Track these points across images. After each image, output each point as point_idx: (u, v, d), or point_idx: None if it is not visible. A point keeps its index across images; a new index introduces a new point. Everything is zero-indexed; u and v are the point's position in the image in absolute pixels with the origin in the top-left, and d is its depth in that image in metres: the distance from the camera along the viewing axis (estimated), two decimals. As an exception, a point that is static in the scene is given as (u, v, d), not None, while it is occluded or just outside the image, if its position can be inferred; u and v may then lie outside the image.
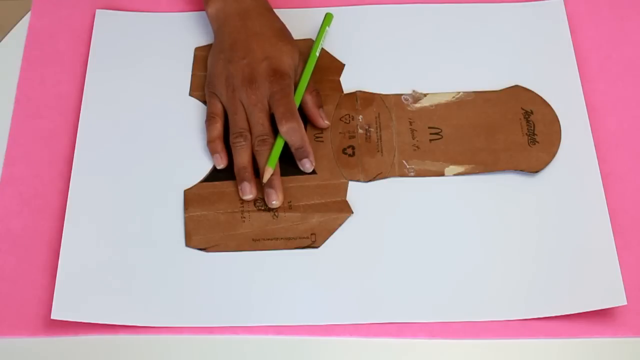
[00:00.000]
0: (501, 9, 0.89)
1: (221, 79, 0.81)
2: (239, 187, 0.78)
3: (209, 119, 0.81)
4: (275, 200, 0.77)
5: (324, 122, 0.82)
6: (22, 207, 0.79)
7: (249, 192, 0.78)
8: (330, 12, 0.88)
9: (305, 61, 0.83)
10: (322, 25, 0.87)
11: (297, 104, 0.81)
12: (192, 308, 0.73)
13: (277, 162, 0.79)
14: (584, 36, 0.88)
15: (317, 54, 0.84)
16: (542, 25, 0.88)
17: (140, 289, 0.74)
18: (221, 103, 0.82)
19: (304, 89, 0.82)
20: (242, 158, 0.79)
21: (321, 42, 0.85)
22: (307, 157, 0.79)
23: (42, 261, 0.76)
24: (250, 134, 0.80)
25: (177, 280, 0.75)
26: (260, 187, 0.78)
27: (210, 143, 0.80)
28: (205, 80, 0.84)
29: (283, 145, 0.79)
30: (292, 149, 0.79)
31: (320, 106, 0.82)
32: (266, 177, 0.78)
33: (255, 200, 0.78)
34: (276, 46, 0.82)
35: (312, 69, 0.83)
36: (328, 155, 0.81)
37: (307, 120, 0.82)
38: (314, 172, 0.80)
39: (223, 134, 0.81)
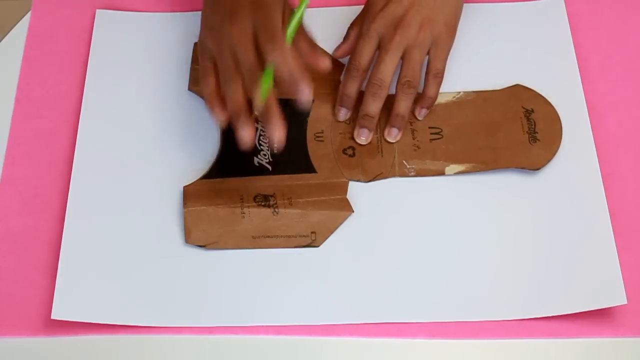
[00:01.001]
0: (502, 8, 0.89)
1: (207, 30, 0.75)
2: (237, 134, 0.72)
3: (202, 77, 0.75)
4: (277, 136, 0.71)
5: (324, 63, 0.73)
6: (22, 207, 0.79)
7: (247, 135, 0.71)
8: None
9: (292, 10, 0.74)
10: None
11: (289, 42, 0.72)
12: (191, 308, 0.74)
13: (274, 92, 0.71)
14: (584, 36, 0.87)
15: None
16: (542, 24, 0.88)
17: (140, 289, 0.74)
18: (212, 56, 0.74)
19: (294, 30, 0.72)
20: (235, 98, 0.71)
21: None
22: (302, 84, 0.70)
23: (42, 261, 0.76)
24: (242, 73, 0.71)
25: (177, 280, 0.75)
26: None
27: (207, 101, 0.74)
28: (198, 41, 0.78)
29: (272, 75, 0.71)
30: (282, 78, 0.70)
31: (315, 47, 0.75)
32: (259, 112, 0.70)
33: (255, 196, 0.78)
34: None
35: (303, 10, 0.73)
36: (328, 155, 0.81)
37: (301, 115, 0.81)
38: (314, 170, 0.80)
39: (219, 89, 0.74)
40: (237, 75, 0.71)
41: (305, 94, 0.70)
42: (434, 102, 0.82)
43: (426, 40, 0.79)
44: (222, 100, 0.73)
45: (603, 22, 0.88)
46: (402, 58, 0.79)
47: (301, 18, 0.74)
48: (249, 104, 0.71)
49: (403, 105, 0.80)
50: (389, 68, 0.79)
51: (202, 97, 0.84)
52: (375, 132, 0.81)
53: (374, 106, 0.80)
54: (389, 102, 0.81)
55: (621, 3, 0.90)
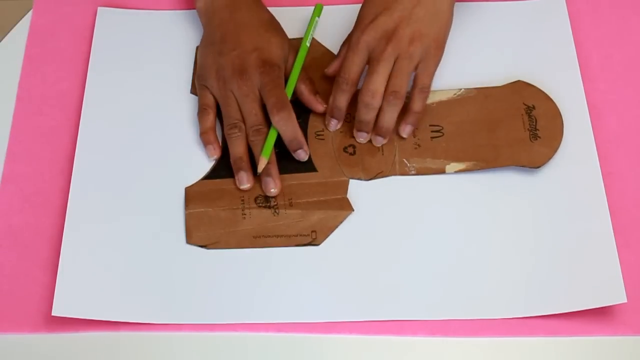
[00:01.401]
0: (503, 7, 0.89)
1: (211, 71, 0.81)
2: (236, 177, 0.78)
3: (201, 111, 0.82)
4: (273, 188, 0.78)
5: (322, 106, 0.82)
6: (23, 204, 0.79)
7: (246, 181, 0.78)
8: (320, 3, 0.87)
9: (296, 52, 0.83)
10: (312, 15, 0.86)
11: (290, 94, 0.81)
12: (192, 305, 0.74)
13: (273, 151, 0.79)
14: (585, 35, 0.87)
15: (308, 44, 0.84)
16: (543, 23, 0.88)
17: (140, 286, 0.74)
18: (212, 95, 0.82)
19: (296, 79, 0.82)
20: (238, 148, 0.79)
21: (312, 32, 0.85)
22: (301, 147, 0.79)
23: (43, 258, 0.76)
24: (244, 124, 0.80)
25: (177, 277, 0.75)
26: (258, 177, 0.79)
27: (203, 134, 0.81)
28: (196, 73, 0.84)
29: (277, 134, 0.79)
30: (285, 141, 0.79)
31: (315, 93, 0.82)
32: (261, 167, 0.78)
33: (255, 197, 0.78)
34: (264, 37, 0.82)
35: (303, 58, 0.83)
36: (329, 153, 0.81)
37: (303, 113, 0.82)
38: (314, 169, 0.80)
39: (215, 125, 0.82)
40: (242, 125, 0.80)
41: (303, 157, 0.80)
42: (420, 118, 0.81)
43: (416, 53, 0.78)
44: (216, 137, 0.81)
45: (604, 21, 0.88)
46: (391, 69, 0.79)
47: (301, 65, 0.82)
48: (250, 152, 0.79)
49: (388, 117, 0.79)
50: (381, 78, 0.78)
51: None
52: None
53: (368, 115, 0.79)
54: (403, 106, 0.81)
55: (622, 2, 0.89)
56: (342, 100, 0.80)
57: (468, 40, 0.87)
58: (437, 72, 0.82)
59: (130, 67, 0.86)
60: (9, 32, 0.90)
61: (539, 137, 0.81)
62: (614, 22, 0.88)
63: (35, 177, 0.80)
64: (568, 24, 0.87)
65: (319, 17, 0.87)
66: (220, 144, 0.81)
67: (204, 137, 0.81)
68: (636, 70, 0.85)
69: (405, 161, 0.80)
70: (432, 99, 0.83)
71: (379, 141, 0.80)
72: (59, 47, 0.88)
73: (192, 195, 0.79)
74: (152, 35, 0.88)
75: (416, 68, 0.79)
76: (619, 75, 0.85)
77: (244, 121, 0.80)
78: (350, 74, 0.79)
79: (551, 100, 0.83)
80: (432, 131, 0.82)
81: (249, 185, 0.78)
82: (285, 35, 0.84)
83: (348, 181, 0.79)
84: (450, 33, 0.82)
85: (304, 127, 0.81)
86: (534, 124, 0.82)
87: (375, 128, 0.80)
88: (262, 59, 0.80)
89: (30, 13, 0.90)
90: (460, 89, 0.84)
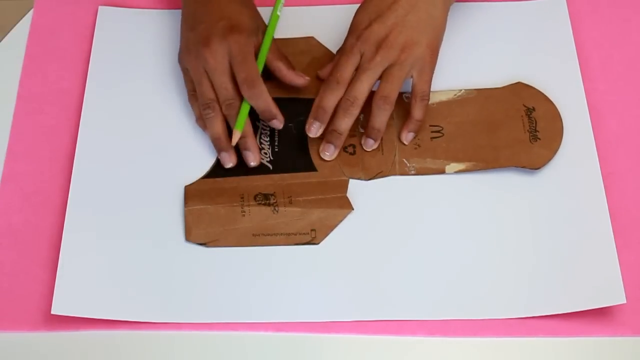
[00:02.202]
0: (503, 7, 0.89)
1: (184, 49, 0.81)
2: (219, 158, 0.79)
3: (190, 97, 0.82)
4: (252, 161, 0.78)
5: (304, 79, 0.81)
6: (23, 202, 0.79)
7: (228, 160, 0.78)
8: None
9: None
10: None
11: (261, 66, 0.79)
12: (192, 304, 0.74)
13: (248, 123, 0.78)
14: (585, 35, 0.88)
15: (279, 13, 0.83)
16: (544, 24, 0.88)
17: (140, 285, 0.74)
18: (191, 77, 0.81)
19: (267, 49, 0.80)
20: (214, 129, 0.79)
21: (282, 0, 0.84)
22: (274, 117, 0.78)
23: (42, 256, 0.76)
24: (218, 101, 0.79)
25: (177, 276, 0.75)
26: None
27: (199, 120, 0.81)
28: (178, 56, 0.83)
29: (250, 106, 0.78)
30: (258, 113, 0.79)
31: (292, 67, 0.82)
32: (234, 140, 0.78)
33: (255, 195, 0.78)
34: (233, 7, 0.80)
35: (274, 27, 0.81)
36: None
37: (303, 114, 0.82)
38: (314, 169, 0.80)
39: None
40: (215, 104, 0.78)
41: (277, 125, 0.79)
42: (421, 126, 0.80)
43: (407, 60, 0.78)
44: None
45: (604, 22, 0.88)
46: (382, 76, 0.78)
47: (272, 37, 0.80)
48: (228, 129, 0.79)
49: (378, 120, 0.79)
50: (364, 86, 0.78)
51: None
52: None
53: (343, 123, 0.78)
54: (403, 108, 0.81)
55: (622, 2, 0.90)
56: (329, 100, 0.79)
57: (468, 40, 0.87)
58: (437, 72, 0.82)
59: (131, 66, 0.86)
60: (9, 31, 0.90)
61: (539, 138, 0.81)
62: (614, 22, 0.88)
63: (36, 175, 0.80)
64: (568, 24, 0.87)
65: None
66: None
67: (201, 123, 0.81)
68: (636, 70, 0.85)
69: (405, 161, 0.80)
70: (432, 99, 0.83)
71: (370, 144, 0.80)
72: (59, 46, 0.88)
73: (192, 193, 0.79)
74: (153, 35, 0.88)
75: (412, 76, 0.79)
76: (619, 76, 0.85)
77: (217, 98, 0.79)
78: (341, 75, 0.79)
79: (551, 102, 0.83)
80: (432, 131, 0.82)
81: (232, 164, 0.78)
82: (258, 12, 0.83)
83: (348, 181, 0.79)
84: (450, 33, 0.82)
85: (303, 127, 0.81)
86: (534, 125, 0.82)
87: (366, 129, 0.80)
88: (229, 26, 0.78)
89: (31, 12, 0.90)
90: (461, 90, 0.84)
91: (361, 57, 0.79)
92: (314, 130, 0.79)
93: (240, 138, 0.78)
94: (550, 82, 0.84)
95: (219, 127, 0.78)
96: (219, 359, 0.72)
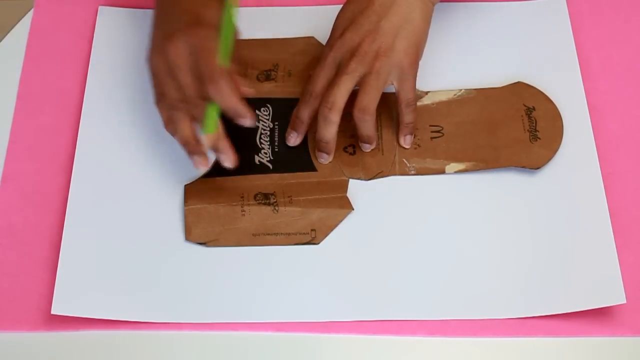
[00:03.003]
0: (503, 7, 0.89)
1: (151, 48, 0.76)
2: (191, 161, 0.74)
3: (155, 101, 0.76)
4: (228, 163, 0.74)
5: (248, 89, 0.74)
6: (23, 202, 0.79)
7: (200, 163, 0.74)
8: None
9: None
10: None
11: (225, 58, 0.72)
12: (191, 304, 0.74)
13: (218, 123, 0.73)
14: (586, 35, 0.88)
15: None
16: (544, 24, 0.88)
17: (140, 285, 0.74)
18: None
19: (229, 40, 0.73)
20: (182, 131, 0.74)
21: None
22: (242, 116, 0.73)
23: (42, 256, 0.76)
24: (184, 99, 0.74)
25: (177, 276, 0.75)
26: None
27: (167, 125, 0.76)
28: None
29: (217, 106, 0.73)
30: (224, 112, 0.73)
31: (241, 74, 0.75)
32: (207, 144, 0.73)
33: (255, 194, 0.78)
34: (201, 2, 0.75)
35: (232, 17, 0.73)
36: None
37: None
38: (314, 169, 0.80)
39: None
40: (181, 104, 0.73)
41: (247, 123, 0.73)
42: (414, 126, 0.80)
43: (383, 68, 0.76)
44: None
45: (604, 22, 0.88)
46: (359, 85, 0.77)
47: (233, 28, 0.73)
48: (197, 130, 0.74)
49: (365, 131, 0.78)
50: (341, 91, 0.75)
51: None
52: (377, 129, 0.81)
53: (326, 132, 0.77)
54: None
55: (622, 2, 0.90)
56: (304, 112, 0.78)
57: (468, 40, 0.87)
58: (437, 72, 0.82)
59: (131, 66, 0.86)
60: (9, 31, 0.90)
61: (539, 138, 0.81)
62: (614, 22, 0.88)
63: (36, 175, 0.80)
64: (569, 24, 0.87)
65: None
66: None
67: (169, 128, 0.76)
68: (636, 70, 0.86)
69: (405, 161, 0.80)
70: (432, 99, 0.83)
71: (366, 148, 0.80)
72: (59, 46, 0.88)
73: (192, 192, 0.79)
74: (153, 35, 0.88)
75: (394, 84, 0.78)
76: (619, 76, 0.85)
77: (184, 98, 0.73)
78: (314, 87, 0.77)
79: (551, 101, 0.83)
80: (432, 131, 0.82)
81: (205, 167, 0.74)
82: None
83: (348, 181, 0.79)
84: (450, 33, 0.82)
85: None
86: (534, 125, 0.82)
87: (358, 138, 0.79)
88: (192, 21, 0.73)
89: (31, 12, 0.90)
90: (461, 90, 0.84)
91: (337, 67, 0.77)
92: (292, 139, 0.79)
93: (211, 140, 0.74)
94: (550, 82, 0.84)
95: (186, 129, 0.74)
96: (219, 359, 0.72)
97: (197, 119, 0.74)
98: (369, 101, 0.76)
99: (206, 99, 0.72)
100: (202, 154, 0.74)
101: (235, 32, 0.74)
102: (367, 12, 0.77)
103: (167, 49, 0.73)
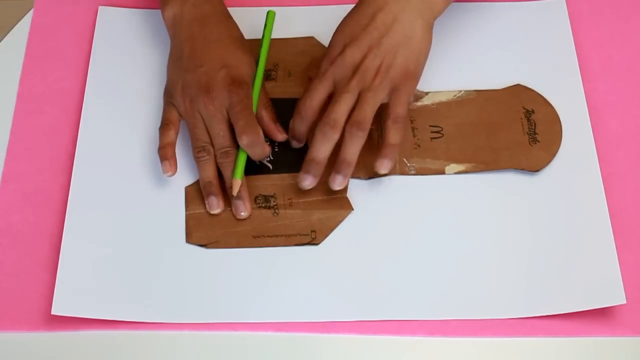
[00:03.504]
0: (503, 8, 0.89)
1: (178, 88, 0.79)
2: (206, 202, 0.77)
3: (163, 126, 0.79)
4: (243, 212, 0.77)
5: (282, 136, 0.80)
6: (23, 202, 0.79)
7: (216, 206, 0.77)
8: (272, 10, 0.86)
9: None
10: (265, 26, 0.84)
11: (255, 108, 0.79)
12: (192, 304, 0.74)
13: (243, 173, 0.77)
14: (585, 36, 0.88)
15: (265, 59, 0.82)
16: (543, 24, 0.88)
17: (140, 285, 0.74)
18: (178, 112, 0.80)
19: (257, 98, 0.80)
20: (207, 172, 0.78)
21: (268, 44, 0.83)
22: (267, 156, 0.79)
23: (42, 256, 0.76)
24: (212, 146, 0.78)
25: (177, 276, 0.75)
26: (228, 199, 0.78)
27: (161, 149, 0.78)
28: (165, 88, 0.82)
29: (246, 155, 0.78)
30: (253, 157, 0.78)
31: (275, 121, 0.80)
32: (235, 189, 0.76)
33: (255, 197, 0.78)
34: (235, 54, 0.80)
35: (262, 75, 0.81)
36: (331, 155, 0.81)
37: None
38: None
39: (175, 142, 0.79)
40: (210, 151, 0.78)
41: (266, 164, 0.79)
42: (397, 150, 0.76)
43: (381, 85, 0.75)
44: (174, 154, 0.78)
45: (604, 22, 0.89)
46: (356, 101, 0.76)
47: (261, 78, 0.80)
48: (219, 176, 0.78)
49: (350, 151, 0.75)
50: (343, 109, 0.75)
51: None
52: (377, 128, 0.81)
53: (322, 149, 0.75)
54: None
55: (622, 3, 0.90)
56: (301, 126, 0.78)
57: (468, 41, 0.87)
58: (437, 73, 0.82)
59: (131, 66, 0.86)
60: (9, 31, 0.90)
61: (538, 141, 0.81)
62: (614, 22, 0.89)
63: (36, 175, 0.80)
64: (568, 24, 0.87)
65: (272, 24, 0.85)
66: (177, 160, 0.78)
67: (162, 152, 0.78)
68: (636, 71, 0.86)
69: (405, 161, 0.80)
70: (432, 99, 0.83)
71: (338, 182, 0.76)
72: (59, 46, 0.88)
73: (192, 195, 0.79)
74: (153, 35, 0.88)
75: (389, 98, 0.77)
76: (619, 76, 0.85)
77: (212, 143, 0.78)
78: (311, 101, 0.77)
79: (550, 105, 0.83)
80: (432, 132, 0.82)
81: (219, 210, 0.77)
82: (255, 54, 0.82)
83: (348, 180, 0.79)
84: (450, 34, 0.82)
85: None
86: (533, 127, 0.82)
87: (336, 164, 0.76)
88: (231, 77, 0.78)
89: (31, 12, 0.90)
90: (461, 91, 0.84)
91: (336, 82, 0.77)
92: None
93: (238, 186, 0.77)
94: (550, 82, 0.84)
95: (211, 171, 0.77)
96: (219, 359, 0.72)
97: (222, 165, 0.78)
98: (365, 117, 0.75)
99: (236, 148, 0.77)
100: (220, 196, 0.77)
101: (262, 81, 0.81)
102: (368, 29, 0.77)
103: (205, 100, 0.77)
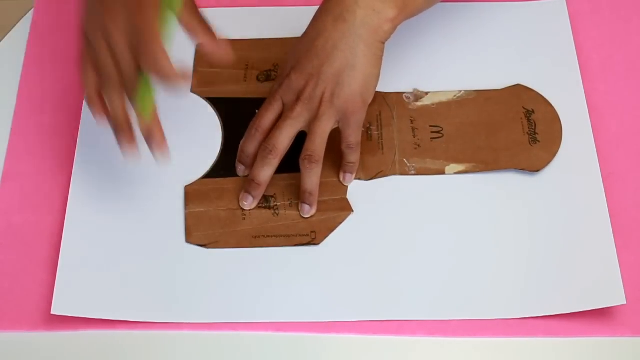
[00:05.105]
0: (503, 8, 0.89)
1: (88, 16, 0.73)
2: (117, 140, 0.72)
3: (81, 68, 0.74)
4: (159, 153, 0.72)
5: (227, 54, 0.72)
6: (23, 202, 0.79)
7: (126, 144, 0.72)
8: None
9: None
10: None
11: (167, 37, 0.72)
12: (191, 304, 0.74)
13: (154, 105, 0.71)
14: (585, 36, 0.88)
15: None
16: (544, 24, 0.88)
17: (140, 285, 0.74)
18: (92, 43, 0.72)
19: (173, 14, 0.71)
20: (115, 113, 0.72)
21: None
22: (173, 78, 0.69)
23: (42, 256, 0.76)
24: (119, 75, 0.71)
25: (177, 276, 0.75)
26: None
27: (86, 100, 0.74)
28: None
29: (152, 88, 0.71)
30: (158, 79, 0.70)
31: (211, 32, 0.73)
32: (141, 127, 0.71)
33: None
34: None
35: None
36: (329, 153, 0.81)
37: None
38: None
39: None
40: (117, 78, 0.70)
41: (183, 88, 0.70)
42: (357, 166, 0.79)
43: (327, 114, 0.74)
44: (102, 99, 0.73)
45: (604, 23, 0.89)
46: (307, 131, 0.76)
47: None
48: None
49: (308, 182, 0.76)
50: (284, 135, 0.75)
51: (201, 97, 0.84)
52: (377, 128, 0.81)
53: (262, 173, 0.76)
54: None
55: (622, 3, 0.90)
56: (250, 146, 0.78)
57: (468, 41, 0.87)
58: (437, 73, 0.82)
59: (131, 66, 0.86)
60: (10, 31, 0.90)
61: (538, 141, 0.81)
62: (614, 23, 0.89)
63: (36, 175, 0.80)
64: (568, 25, 0.87)
65: None
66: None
67: (89, 102, 0.73)
68: (636, 71, 0.86)
69: (406, 161, 0.80)
70: (432, 99, 0.83)
71: (305, 210, 0.77)
72: (59, 46, 0.88)
73: (192, 195, 0.79)
74: (153, 35, 0.88)
75: (339, 124, 0.76)
76: (619, 76, 0.85)
77: (120, 73, 0.71)
78: (261, 122, 0.77)
79: (550, 105, 0.83)
80: (432, 132, 0.82)
81: (131, 149, 0.72)
82: None
83: (348, 181, 0.80)
84: (450, 34, 0.82)
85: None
86: (534, 128, 0.82)
87: (300, 193, 0.77)
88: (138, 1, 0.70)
89: (31, 12, 0.90)
90: (461, 91, 0.84)
91: (284, 104, 0.76)
92: (241, 171, 0.79)
93: (143, 123, 0.71)
94: (550, 82, 0.84)
95: (121, 107, 0.72)
96: (219, 359, 0.72)
97: (131, 98, 0.71)
98: (315, 149, 0.75)
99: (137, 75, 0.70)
100: (134, 140, 0.72)
101: (178, 12, 0.71)
102: (309, 55, 0.75)
103: (107, 24, 0.70)
